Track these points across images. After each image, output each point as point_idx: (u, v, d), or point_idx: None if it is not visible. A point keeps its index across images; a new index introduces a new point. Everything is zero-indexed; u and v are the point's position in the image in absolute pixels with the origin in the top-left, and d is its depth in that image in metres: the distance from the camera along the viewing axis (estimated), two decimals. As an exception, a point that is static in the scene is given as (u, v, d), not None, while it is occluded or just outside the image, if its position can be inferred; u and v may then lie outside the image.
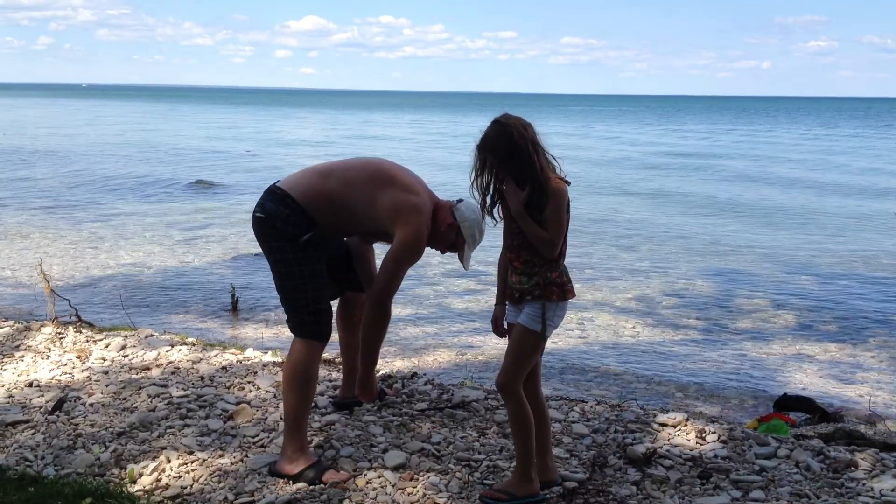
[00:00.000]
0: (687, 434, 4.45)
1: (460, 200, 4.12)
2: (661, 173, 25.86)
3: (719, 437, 4.38)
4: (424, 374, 5.83)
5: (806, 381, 6.69)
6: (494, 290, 9.25)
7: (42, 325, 6.56)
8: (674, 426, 4.58)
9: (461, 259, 4.25)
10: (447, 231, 4.12)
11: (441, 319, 8.45)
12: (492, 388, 5.51)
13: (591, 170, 26.45)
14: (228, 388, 5.03)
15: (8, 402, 4.76)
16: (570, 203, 3.49)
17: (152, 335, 6.37)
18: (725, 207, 18.12)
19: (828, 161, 30.77)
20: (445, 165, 26.68)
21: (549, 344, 7.33)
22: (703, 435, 4.42)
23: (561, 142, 40.47)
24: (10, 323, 6.79)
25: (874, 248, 13.06)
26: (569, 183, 3.47)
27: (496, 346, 7.47)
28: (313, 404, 4.30)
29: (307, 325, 3.84)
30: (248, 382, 5.13)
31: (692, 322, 8.45)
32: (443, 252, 4.30)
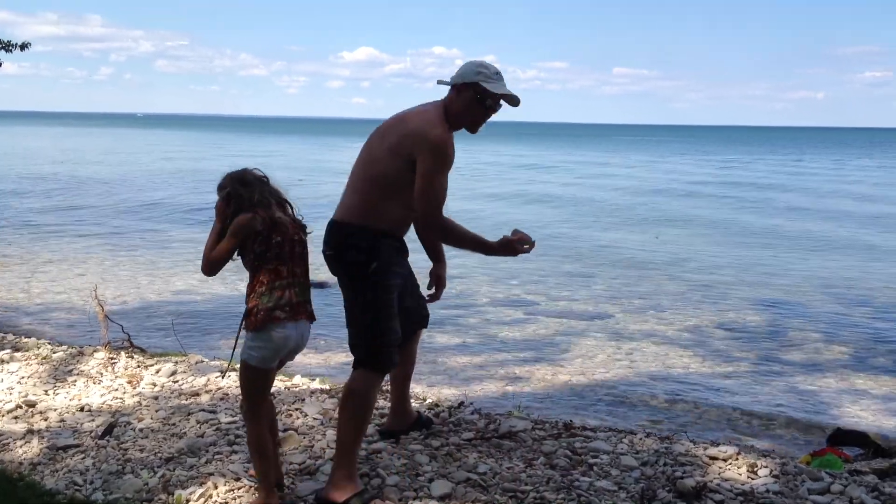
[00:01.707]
0: (738, 468, 4.37)
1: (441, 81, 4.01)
2: (712, 203, 25.58)
3: (771, 471, 4.28)
4: (471, 404, 5.80)
5: (860, 414, 6.54)
6: (542, 318, 9.18)
7: (95, 351, 6.67)
8: (724, 460, 4.50)
9: (508, 100, 3.99)
10: (461, 104, 3.90)
11: (488, 349, 8.42)
12: (540, 418, 5.48)
13: (639, 199, 26.31)
14: (276, 414, 5.05)
15: (60, 427, 4.84)
16: (278, 235, 3.56)
17: (202, 361, 6.45)
18: (776, 238, 17.86)
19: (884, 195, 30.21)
20: (500, 196, 26.76)
21: (598, 374, 7.34)
22: (755, 469, 4.33)
23: (601, 171, 40.39)
24: (64, 348, 6.93)
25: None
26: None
27: (545, 377, 7.44)
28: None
29: (373, 356, 3.85)
30: (296, 409, 5.15)
31: (743, 354, 8.32)
32: (480, 124, 4.00)
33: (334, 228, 3.87)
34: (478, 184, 31.29)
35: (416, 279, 4.35)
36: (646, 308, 10.37)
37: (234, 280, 11.55)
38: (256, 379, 3.62)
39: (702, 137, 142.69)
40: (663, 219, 21.52)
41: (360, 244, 3.80)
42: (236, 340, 3.64)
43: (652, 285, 11.96)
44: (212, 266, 3.59)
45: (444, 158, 3.76)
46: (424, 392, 6.42)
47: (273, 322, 3.50)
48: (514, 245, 3.92)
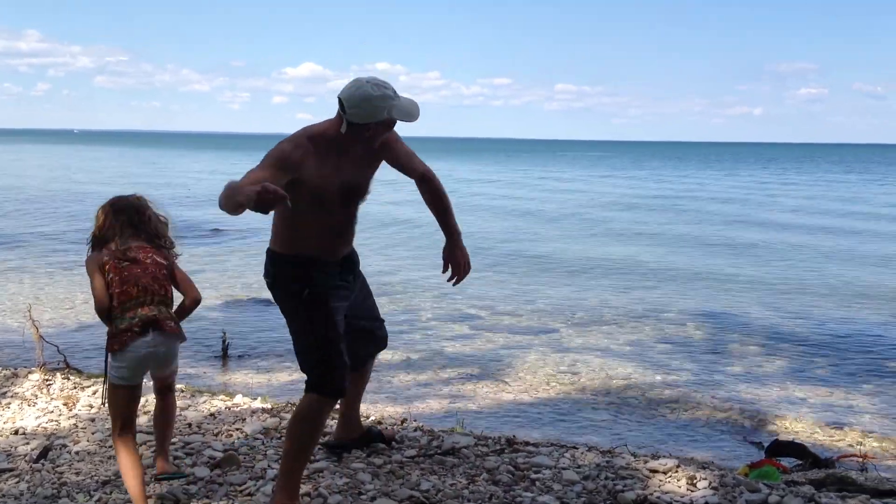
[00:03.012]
0: (678, 481, 4.42)
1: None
2: (656, 217, 25.96)
3: (710, 483, 4.34)
4: (415, 420, 5.80)
5: (798, 426, 6.65)
6: (487, 333, 9.19)
7: (29, 372, 6.52)
8: (664, 472, 4.55)
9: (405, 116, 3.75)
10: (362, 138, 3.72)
11: (432, 365, 8.41)
12: (483, 433, 5.49)
13: (584, 212, 26.60)
14: (216, 435, 4.99)
15: (-7, 451, 4.72)
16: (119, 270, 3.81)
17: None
18: (719, 251, 18.17)
19: (814, 206, 30.97)
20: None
21: (542, 388, 7.38)
22: (694, 481, 4.39)
23: (550, 185, 40.70)
24: (-2, 369, 6.76)
25: (863, 288, 13.09)
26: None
27: (489, 393, 7.45)
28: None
29: (322, 381, 3.79)
30: (237, 429, 5.10)
31: (684, 365, 8.43)
32: (376, 141, 3.78)
33: (267, 256, 3.89)
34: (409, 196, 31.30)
35: (372, 300, 4.35)
36: (590, 322, 10.46)
37: (174, 298, 11.40)
38: (117, 398, 3.79)
39: (642, 153, 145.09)
40: (604, 231, 21.79)
41: (288, 271, 3.80)
42: (106, 365, 3.84)
43: (596, 298, 12.07)
44: (99, 311, 3.84)
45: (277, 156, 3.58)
46: (368, 410, 6.38)
47: (126, 342, 3.73)
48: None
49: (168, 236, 4.09)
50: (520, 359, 8.63)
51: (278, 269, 3.83)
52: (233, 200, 3.21)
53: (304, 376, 3.86)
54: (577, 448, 5.16)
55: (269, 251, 3.89)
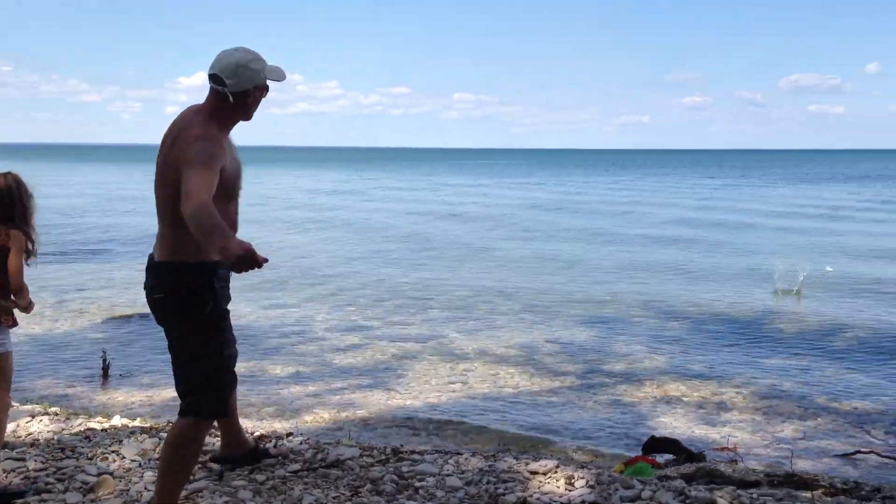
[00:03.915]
0: (557, 481, 4.50)
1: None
2: (543, 224, 26.40)
3: (587, 482, 4.44)
4: (301, 434, 5.75)
5: (675, 422, 6.88)
6: (378, 343, 9.15)
7: None
8: (544, 474, 4.63)
9: (278, 76, 3.69)
10: (243, 107, 3.62)
11: (323, 376, 8.35)
12: (369, 444, 5.48)
13: (477, 221, 26.85)
14: (91, 458, 4.83)
15: None
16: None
17: (11, 406, 6.08)
18: (604, 258, 18.58)
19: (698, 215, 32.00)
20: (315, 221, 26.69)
21: (432, 397, 7.41)
22: (572, 481, 4.48)
23: (447, 192, 40.89)
24: None
25: (737, 287, 13.60)
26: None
27: (379, 403, 7.45)
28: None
29: (208, 404, 3.64)
30: (113, 452, 4.94)
31: (570, 369, 8.59)
32: (255, 108, 3.69)
33: (158, 267, 3.59)
34: (289, 212, 31.14)
35: None
36: (479, 329, 10.56)
37: (50, 316, 11.00)
38: None
39: (536, 160, 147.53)
40: (480, 245, 22.02)
41: (190, 282, 3.54)
42: None
43: (485, 307, 12.18)
44: None
45: (210, 148, 3.43)
46: (255, 425, 6.31)
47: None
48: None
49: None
50: (411, 368, 8.66)
51: (176, 280, 3.53)
52: (218, 247, 3.22)
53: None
54: (461, 454, 5.20)
55: (161, 262, 3.58)
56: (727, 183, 57.65)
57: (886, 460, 5.85)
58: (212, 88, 3.58)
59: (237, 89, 3.53)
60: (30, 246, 4.45)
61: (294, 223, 25.89)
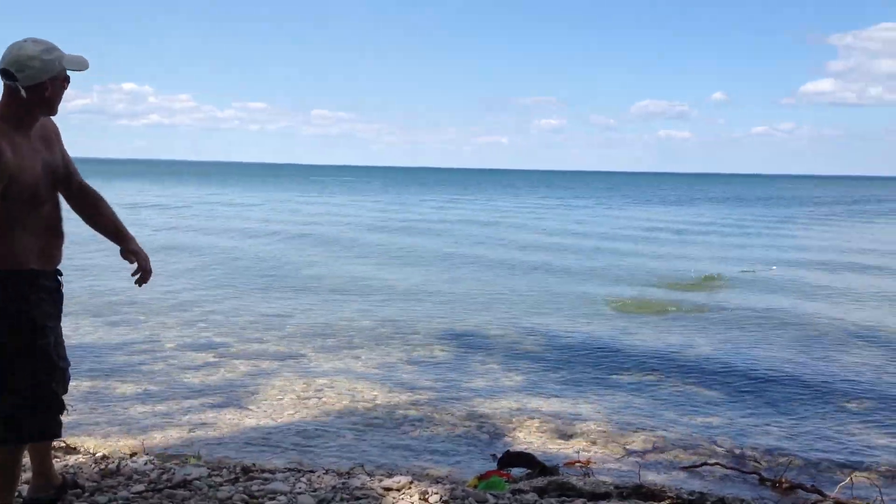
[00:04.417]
0: (410, 497, 4.50)
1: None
2: (401, 239, 26.53)
3: (441, 497, 4.46)
4: (147, 453, 5.55)
5: (531, 436, 6.97)
6: (232, 360, 8.93)
7: None
8: (398, 490, 4.63)
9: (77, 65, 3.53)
10: (43, 98, 3.46)
11: (173, 395, 8.05)
12: (219, 462, 5.34)
13: (330, 235, 26.73)
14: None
15: None
16: None
17: None
18: (469, 268, 18.82)
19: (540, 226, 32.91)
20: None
21: (286, 414, 7.27)
22: (426, 497, 4.49)
23: (300, 209, 40.57)
24: None
25: (592, 301, 14.03)
26: None
27: (231, 421, 7.26)
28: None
29: (28, 424, 3.45)
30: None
31: (428, 384, 8.60)
32: (58, 101, 3.54)
33: None
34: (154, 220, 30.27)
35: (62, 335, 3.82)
36: (339, 346, 10.45)
37: None
38: None
39: (397, 178, 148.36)
40: (352, 253, 21.98)
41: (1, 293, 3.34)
42: None
43: (345, 322, 12.09)
44: None
45: None
46: (98, 445, 6.04)
47: None
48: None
49: None
50: (265, 385, 8.47)
51: None
52: None
53: None
54: (314, 472, 5.14)
55: None
56: (583, 204, 59.55)
57: (730, 471, 6.11)
58: (4, 86, 3.39)
59: (30, 83, 3.35)
60: None
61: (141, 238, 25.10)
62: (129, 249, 3.92)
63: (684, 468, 6.22)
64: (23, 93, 3.34)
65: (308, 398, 8.01)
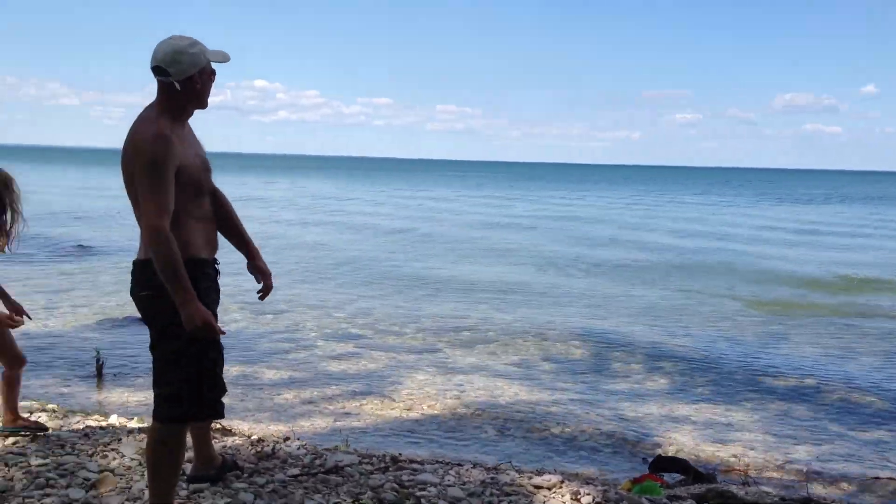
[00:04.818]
0: (562, 496, 4.47)
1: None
2: (541, 236, 26.42)
3: (594, 498, 4.42)
4: (298, 439, 5.70)
5: (681, 441, 6.77)
6: (371, 352, 9.09)
7: None
8: (549, 488, 4.60)
9: (221, 57, 3.66)
10: (194, 90, 3.59)
11: (317, 383, 8.27)
12: (367, 451, 5.44)
13: (470, 233, 26.86)
14: (91, 455, 4.79)
15: None
16: None
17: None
18: (600, 269, 18.61)
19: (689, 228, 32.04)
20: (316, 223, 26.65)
21: (427, 406, 7.35)
22: (578, 497, 4.45)
23: (430, 204, 40.90)
24: None
25: (739, 307, 13.60)
26: None
27: (374, 411, 7.39)
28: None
29: (198, 405, 3.59)
30: (112, 450, 4.90)
31: (568, 384, 8.53)
32: (207, 94, 3.66)
33: (144, 266, 3.51)
34: (290, 214, 31.08)
35: None
36: (474, 342, 10.50)
37: (44, 317, 10.90)
38: None
39: (522, 174, 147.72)
40: (481, 251, 22.03)
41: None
42: None
43: (478, 317, 12.14)
44: None
45: (158, 152, 3.38)
46: (251, 428, 6.25)
47: None
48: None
49: None
50: (405, 377, 8.60)
51: (157, 278, 3.42)
52: (178, 303, 3.33)
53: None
54: (462, 465, 5.17)
55: (141, 260, 3.52)
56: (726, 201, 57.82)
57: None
58: (158, 82, 3.55)
59: (181, 76, 3.50)
60: None
61: (286, 227, 25.92)
62: (257, 267, 4.08)
63: (855, 480, 5.89)
64: (177, 86, 3.51)
65: (448, 392, 8.08)
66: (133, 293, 3.62)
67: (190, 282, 3.36)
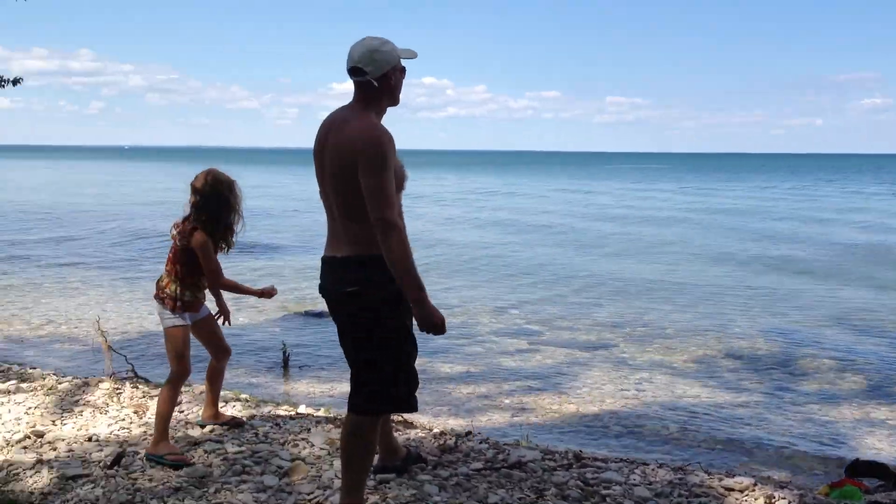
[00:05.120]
0: (755, 500, 4.30)
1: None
2: (708, 230, 25.58)
3: (789, 503, 4.21)
4: (479, 433, 5.74)
5: (878, 445, 6.39)
6: (546, 348, 9.02)
7: (100, 381, 6.58)
8: (741, 491, 4.43)
9: (410, 54, 3.77)
10: (389, 88, 3.68)
11: (493, 378, 8.32)
12: (548, 447, 5.41)
13: (632, 228, 26.34)
14: (283, 444, 4.99)
15: (69, 457, 4.76)
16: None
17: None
18: (782, 265, 17.81)
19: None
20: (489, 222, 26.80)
21: (606, 404, 7.23)
22: (773, 501, 4.26)
23: (606, 202, 40.28)
24: (69, 378, 6.83)
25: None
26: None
27: (551, 407, 7.35)
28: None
29: (398, 397, 3.68)
30: (302, 439, 5.09)
31: (754, 384, 8.20)
32: (399, 90, 3.75)
33: (350, 262, 3.56)
34: (458, 210, 31.35)
35: None
36: (651, 337, 10.28)
37: (233, 310, 11.47)
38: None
39: (697, 165, 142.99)
40: (659, 244, 21.51)
41: (384, 276, 3.50)
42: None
43: (656, 314, 11.88)
44: None
45: (385, 151, 3.46)
46: (430, 422, 6.34)
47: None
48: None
49: None
50: (581, 374, 8.51)
51: (369, 274, 3.51)
52: (411, 298, 3.46)
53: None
54: (647, 464, 5.05)
55: (349, 256, 3.55)
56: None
57: None
58: (356, 84, 3.64)
59: (378, 74, 3.59)
60: (221, 244, 4.80)
61: (453, 222, 26.30)
62: None
63: None
64: (375, 84, 3.59)
65: (626, 390, 7.94)
66: (332, 289, 3.65)
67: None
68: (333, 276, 3.63)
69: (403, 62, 3.71)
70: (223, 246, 4.86)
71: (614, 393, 7.81)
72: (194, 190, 4.71)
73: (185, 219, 4.72)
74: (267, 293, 5.04)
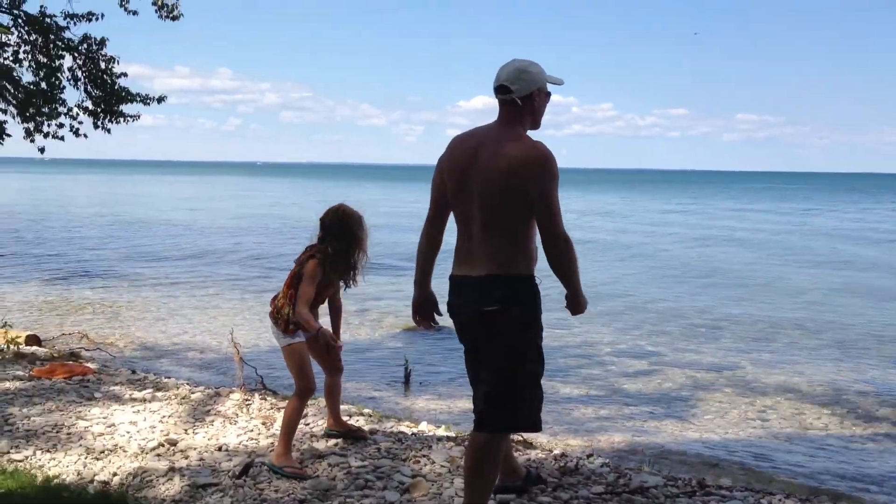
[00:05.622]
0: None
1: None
2: (845, 255, 24.55)
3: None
4: (599, 456, 5.70)
5: None
6: (668, 370, 8.83)
7: (230, 392, 6.85)
8: (872, 525, 4.26)
9: (556, 80, 3.82)
10: (535, 109, 3.75)
11: (613, 400, 8.24)
12: (671, 473, 5.32)
13: (763, 252, 25.53)
14: (404, 460, 5.08)
15: (199, 465, 4.98)
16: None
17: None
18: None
19: None
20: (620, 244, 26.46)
21: (730, 431, 7.05)
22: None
23: (737, 223, 39.17)
24: (202, 388, 7.14)
25: None
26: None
27: (673, 432, 7.23)
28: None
29: (533, 417, 3.74)
30: (423, 456, 5.16)
31: (887, 414, 7.84)
32: (542, 112, 3.82)
33: (494, 280, 3.59)
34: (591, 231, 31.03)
35: None
36: (778, 363, 9.96)
37: (356, 324, 11.77)
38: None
39: (831, 185, 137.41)
40: (792, 265, 20.80)
41: (530, 296, 3.63)
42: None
43: (783, 340, 11.50)
44: None
45: (552, 167, 3.58)
46: (550, 442, 6.33)
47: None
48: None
49: None
50: (704, 398, 8.34)
51: (518, 293, 3.58)
52: (571, 289, 3.77)
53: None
54: (773, 494, 4.91)
55: (492, 275, 3.58)
56: None
57: None
58: (501, 102, 3.70)
59: (523, 93, 3.65)
60: (348, 280, 5.02)
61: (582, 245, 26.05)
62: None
63: None
64: (518, 102, 3.64)
65: (750, 417, 7.74)
66: (469, 308, 3.67)
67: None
68: (470, 294, 3.66)
69: (549, 87, 3.78)
70: (347, 282, 4.97)
71: (739, 421, 7.61)
72: (322, 226, 4.82)
73: (311, 246, 4.87)
74: (327, 339, 4.84)
